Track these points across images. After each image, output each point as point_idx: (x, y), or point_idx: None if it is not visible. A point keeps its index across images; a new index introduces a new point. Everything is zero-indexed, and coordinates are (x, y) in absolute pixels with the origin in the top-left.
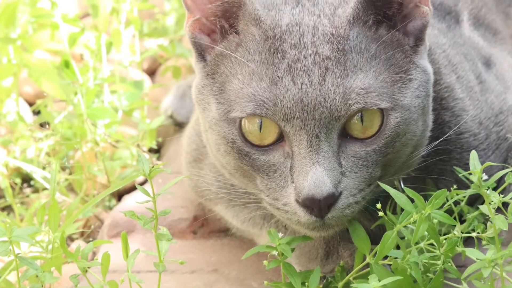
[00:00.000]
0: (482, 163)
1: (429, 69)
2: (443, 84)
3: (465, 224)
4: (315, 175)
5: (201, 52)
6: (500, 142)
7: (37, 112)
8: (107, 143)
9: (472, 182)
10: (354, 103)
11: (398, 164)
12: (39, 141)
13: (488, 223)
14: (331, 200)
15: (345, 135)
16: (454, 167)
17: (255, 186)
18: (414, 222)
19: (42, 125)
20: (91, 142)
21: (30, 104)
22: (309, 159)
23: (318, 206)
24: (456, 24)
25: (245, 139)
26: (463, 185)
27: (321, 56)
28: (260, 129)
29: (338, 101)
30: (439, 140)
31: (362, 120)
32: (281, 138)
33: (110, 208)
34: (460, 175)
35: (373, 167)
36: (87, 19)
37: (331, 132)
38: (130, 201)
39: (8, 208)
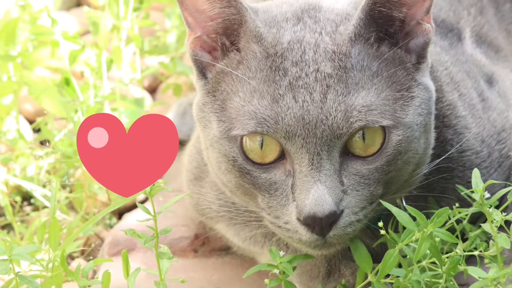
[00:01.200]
0: (484, 181)
1: (431, 86)
2: (445, 101)
3: (467, 242)
4: (316, 193)
5: (202, 70)
6: (503, 160)
7: (37, 130)
8: None
9: (474, 200)
10: (355, 121)
11: (400, 182)
12: (39, 159)
13: (491, 242)
14: (332, 218)
15: (346, 153)
16: (456, 185)
17: (256, 204)
18: (416, 241)
19: (42, 143)
20: None
21: (30, 122)
22: (310, 177)
23: (320, 224)
24: (458, 41)
25: (246, 157)
26: (466, 203)
27: (323, 74)
28: (262, 147)
29: (340, 119)
30: (441, 158)
31: (363, 138)
32: (282, 156)
33: (111, 226)
34: (462, 193)
35: (375, 185)
36: (87, 36)
37: (332, 150)
38: (131, 219)
39: (8, 226)
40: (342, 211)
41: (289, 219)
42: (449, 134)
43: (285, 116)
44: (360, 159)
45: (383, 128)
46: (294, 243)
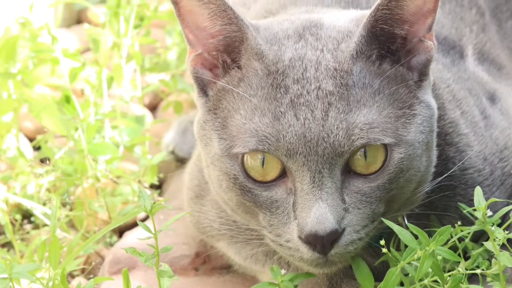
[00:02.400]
0: (486, 199)
1: (433, 104)
2: (448, 119)
3: (469, 260)
4: (318, 211)
5: (203, 87)
6: (505, 178)
7: (37, 148)
8: (108, 179)
9: (476, 218)
10: (357, 139)
11: (402, 200)
12: (40, 177)
13: (493, 260)
14: (334, 236)
15: (348, 171)
16: (459, 203)
17: (257, 222)
18: (418, 259)
19: (42, 160)
20: (92, 178)
21: (31, 140)
22: (312, 195)
23: (321, 242)
24: (461, 58)
25: (248, 175)
26: (468, 221)
27: (324, 91)
28: (263, 164)
29: (341, 137)
30: (443, 176)
31: (365, 156)
32: (283, 174)
33: (111, 244)
34: (464, 211)
35: (377, 203)
36: (88, 53)
37: (334, 168)
38: (131, 238)
39: (8, 245)
40: (343, 229)
41: (290, 237)
42: (451, 152)
43: (287, 134)
44: (361, 177)
45: (385, 146)
46: (295, 261)
